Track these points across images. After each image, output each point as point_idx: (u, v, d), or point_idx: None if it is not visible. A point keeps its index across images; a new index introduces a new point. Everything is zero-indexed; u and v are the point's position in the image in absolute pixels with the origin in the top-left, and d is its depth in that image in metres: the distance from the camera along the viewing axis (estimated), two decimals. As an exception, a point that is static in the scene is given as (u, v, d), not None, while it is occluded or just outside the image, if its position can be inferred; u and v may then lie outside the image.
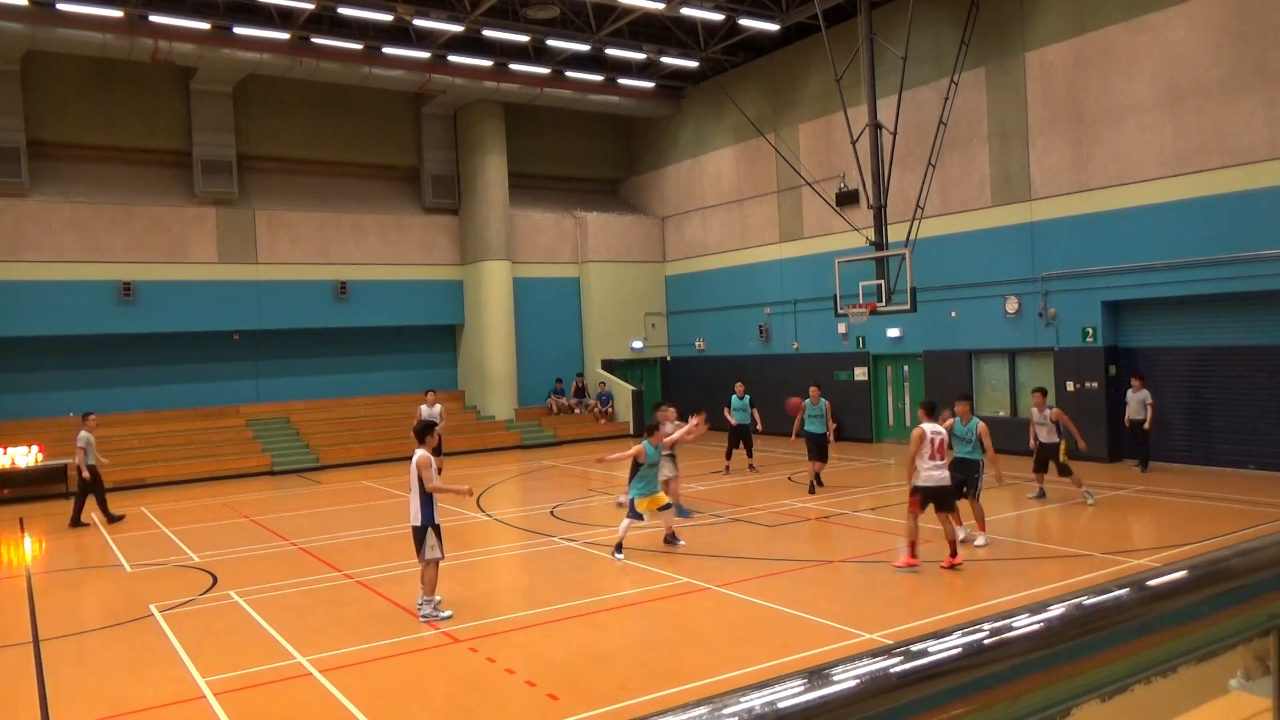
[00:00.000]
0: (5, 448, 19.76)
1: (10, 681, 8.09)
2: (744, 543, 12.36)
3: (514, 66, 25.14)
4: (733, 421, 19.14)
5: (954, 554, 10.34)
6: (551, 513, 15.29)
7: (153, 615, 9.84)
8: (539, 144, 29.67)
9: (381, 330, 26.98)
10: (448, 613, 9.16)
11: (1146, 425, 16.25)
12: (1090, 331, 18.21)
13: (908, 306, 18.84)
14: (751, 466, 19.30)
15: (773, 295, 25.76)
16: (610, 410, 28.06)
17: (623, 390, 28.08)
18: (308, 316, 25.34)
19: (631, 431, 27.54)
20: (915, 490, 10.49)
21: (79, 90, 23.27)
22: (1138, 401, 16.32)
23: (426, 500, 9.11)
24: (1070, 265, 18.44)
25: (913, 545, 10.39)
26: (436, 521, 9.19)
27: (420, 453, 9.18)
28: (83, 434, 15.89)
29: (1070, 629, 1.36)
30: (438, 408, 20.15)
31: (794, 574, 10.58)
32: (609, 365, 29.03)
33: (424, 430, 9.49)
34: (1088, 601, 1.41)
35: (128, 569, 12.53)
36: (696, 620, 9.05)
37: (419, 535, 9.14)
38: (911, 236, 19.39)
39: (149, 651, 8.67)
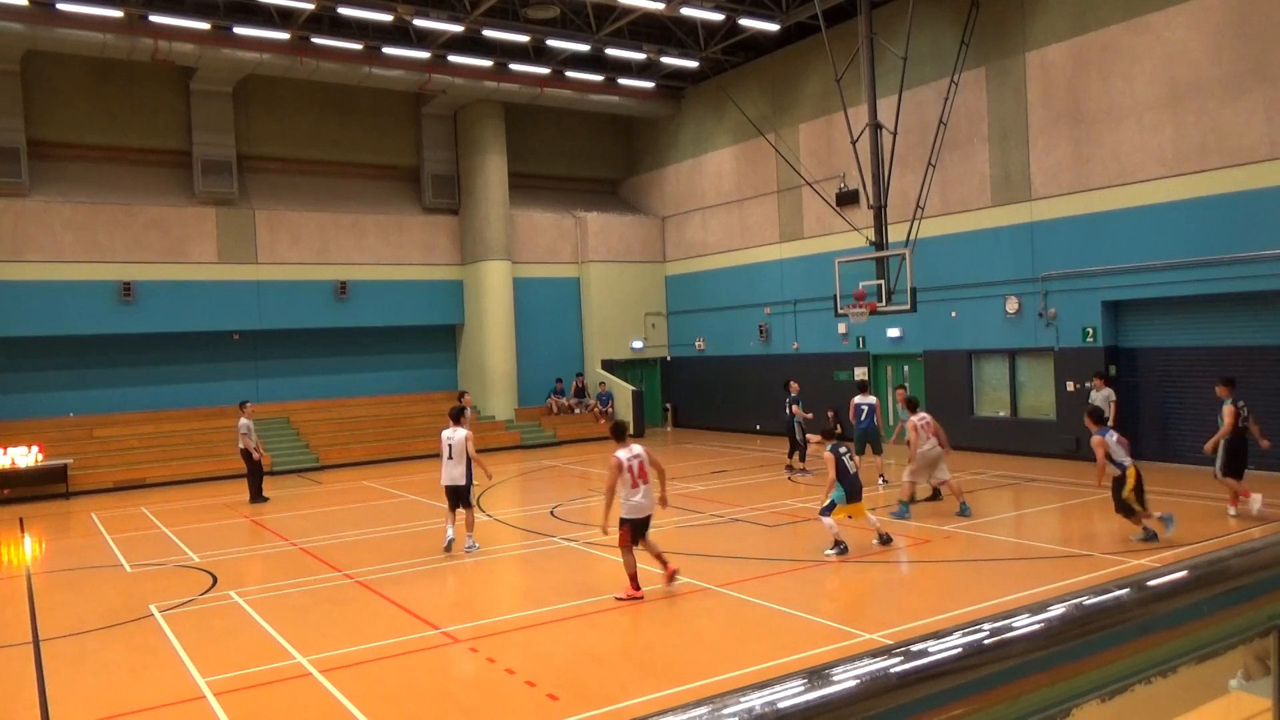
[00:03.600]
0: (5, 448, 19.75)
1: (10, 682, 8.09)
2: (744, 542, 12.36)
3: (514, 66, 25.14)
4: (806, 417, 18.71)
5: (635, 585, 9.57)
6: (551, 513, 15.30)
7: (153, 615, 9.84)
8: (539, 144, 29.68)
9: (381, 330, 26.98)
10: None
11: (1109, 422, 16.33)
12: (1090, 331, 18.21)
13: (908, 307, 18.84)
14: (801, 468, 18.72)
15: (773, 295, 25.76)
16: (610, 410, 28.05)
17: (623, 390, 28.08)
18: (308, 316, 25.34)
19: (631, 431, 27.52)
20: (623, 523, 9.65)
21: (79, 90, 23.28)
22: (1102, 399, 16.40)
23: (469, 465, 12.39)
24: (1070, 265, 18.44)
25: (633, 578, 9.59)
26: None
27: (466, 430, 12.61)
28: (243, 420, 17.46)
29: (1070, 629, 1.36)
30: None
31: (794, 574, 10.58)
32: (609, 365, 29.04)
33: (458, 414, 13.18)
34: (1088, 601, 1.41)
35: (128, 569, 12.53)
36: (697, 620, 9.05)
37: (466, 492, 12.43)
38: (911, 236, 19.40)
39: (149, 651, 8.66)
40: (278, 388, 25.63)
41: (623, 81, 27.04)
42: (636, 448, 9.78)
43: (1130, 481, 10.92)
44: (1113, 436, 11.29)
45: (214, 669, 7.97)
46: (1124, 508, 11.07)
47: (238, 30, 21.65)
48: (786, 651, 7.75)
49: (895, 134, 19.64)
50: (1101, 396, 16.23)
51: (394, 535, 14.04)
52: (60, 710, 7.28)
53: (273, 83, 24.98)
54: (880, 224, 19.89)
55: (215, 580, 11.40)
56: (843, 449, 11.59)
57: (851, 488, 11.34)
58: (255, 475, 17.77)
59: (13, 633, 9.60)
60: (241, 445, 17.56)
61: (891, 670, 1.19)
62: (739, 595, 9.66)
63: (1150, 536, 10.99)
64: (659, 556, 9.88)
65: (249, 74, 23.59)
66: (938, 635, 1.28)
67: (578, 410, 28.31)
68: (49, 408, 22.51)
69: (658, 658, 7.93)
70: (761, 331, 26.12)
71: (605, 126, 30.90)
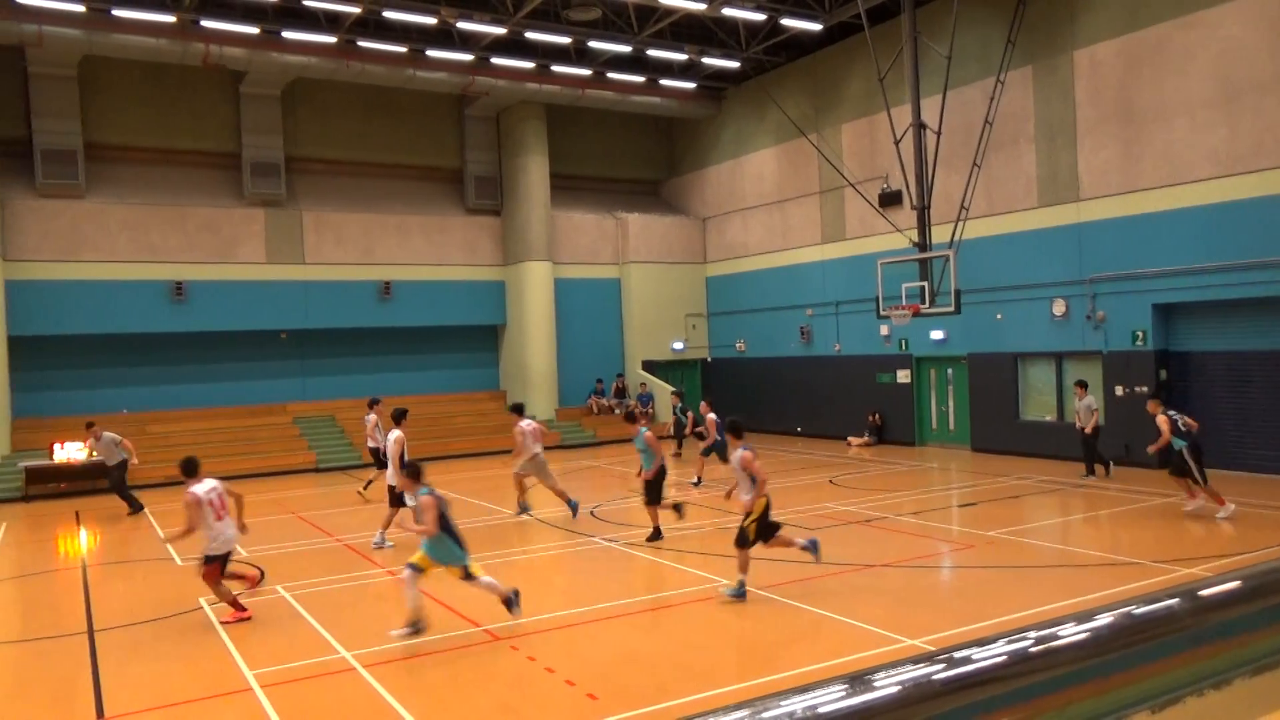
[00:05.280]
0: (62, 443, 20.30)
1: (68, 670, 8.32)
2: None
3: (556, 68, 25.27)
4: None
5: (239, 608, 9.53)
6: (591, 513, 15.34)
7: (202, 608, 10.05)
8: (580, 145, 29.80)
9: (425, 330, 27.28)
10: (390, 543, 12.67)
11: (1088, 430, 16.56)
12: (1140, 335, 17.85)
13: (952, 309, 18.61)
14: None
15: (814, 297, 25.60)
16: (651, 411, 28.06)
17: (663, 391, 28.07)
18: (353, 316, 25.71)
19: (671, 433, 27.53)
20: (210, 560, 9.39)
21: (134, 94, 23.85)
22: (1084, 408, 16.61)
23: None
24: (1120, 267, 18.08)
25: (234, 602, 9.54)
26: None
27: (399, 433, 13.14)
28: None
29: (1120, 638, 1.34)
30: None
31: (835, 578, 10.50)
32: (649, 366, 29.07)
33: (400, 416, 13.78)
34: (1138, 610, 1.39)
35: (178, 562, 12.80)
36: (736, 623, 9.02)
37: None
38: (956, 238, 19.15)
39: (198, 643, 8.85)
40: (324, 386, 26.03)
41: (664, 82, 27.05)
42: (213, 482, 9.64)
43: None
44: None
45: (261, 662, 8.12)
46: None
47: (286, 34, 22.02)
48: (827, 656, 7.70)
49: (939, 134, 19.41)
50: (1084, 405, 16.59)
51: (436, 533, 14.15)
52: (114, 699, 7.46)
53: (319, 85, 25.38)
54: (924, 225, 19.67)
55: (263, 574, 11.60)
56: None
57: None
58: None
59: (70, 622, 9.87)
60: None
61: (935, 677, 1.18)
62: (779, 598, 9.61)
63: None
64: (234, 602, 9.59)
65: (296, 77, 24.01)
66: (982, 642, 1.26)
67: (618, 411, 28.36)
68: (104, 404, 23.06)
69: (697, 659, 7.92)
70: (803, 333, 25.96)
71: (646, 127, 30.93)
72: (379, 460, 17.26)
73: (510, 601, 8.83)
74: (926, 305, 18.96)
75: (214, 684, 7.69)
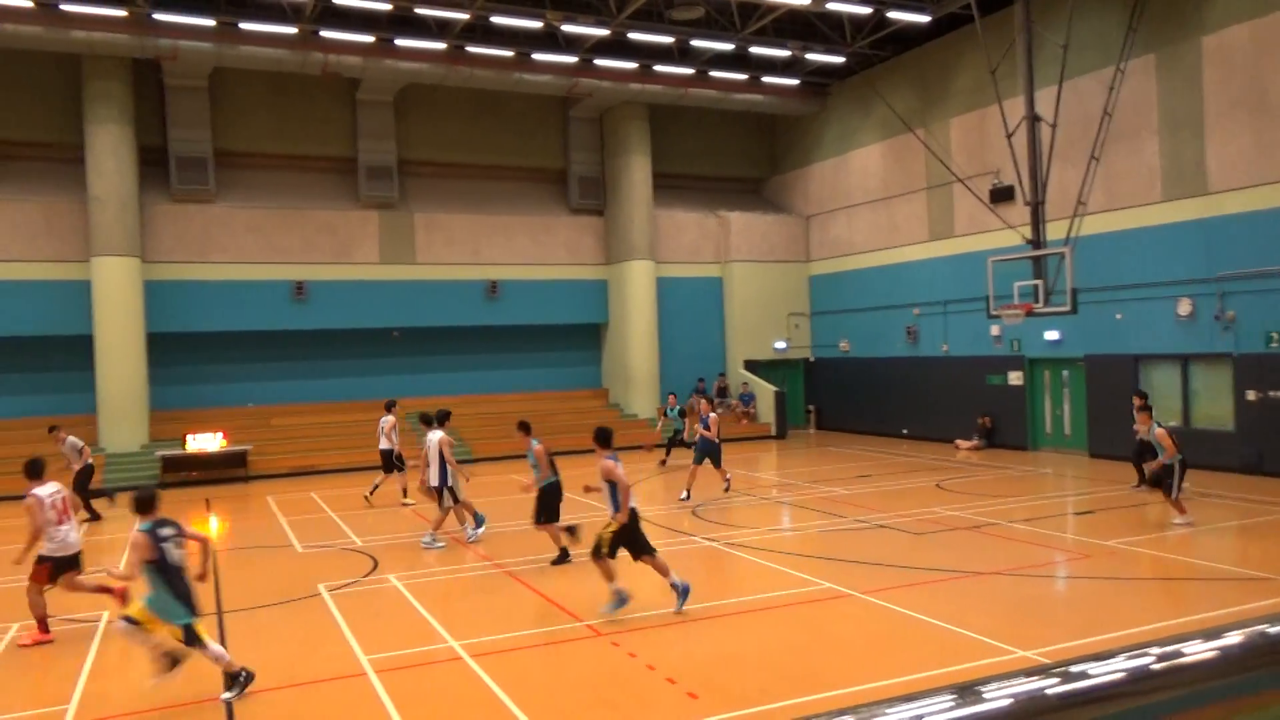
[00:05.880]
0: (194, 434, 21.55)
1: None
2: (889, 549, 12.06)
3: (658, 68, 25.37)
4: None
5: (44, 629, 9.09)
6: (694, 512, 15.37)
7: (320, 594, 10.51)
8: (683, 144, 29.84)
9: (529, 329, 27.80)
10: (442, 543, 12.83)
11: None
12: (1275, 336, 16.79)
13: (1067, 308, 17.88)
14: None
15: (921, 296, 24.99)
16: (752, 411, 27.92)
17: (765, 391, 27.90)
18: (461, 314, 26.43)
19: (774, 432, 27.33)
20: (42, 560, 9.11)
21: (258, 103, 25.07)
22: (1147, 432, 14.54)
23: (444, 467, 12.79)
24: (1252, 264, 17.04)
25: (42, 620, 9.11)
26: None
27: (443, 434, 13.03)
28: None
29: (1251, 658, 1.28)
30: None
31: (942, 584, 10.25)
32: (751, 365, 28.90)
33: (445, 418, 13.73)
34: (1271, 630, 1.33)
35: (299, 549, 13.43)
36: (838, 626, 8.91)
37: (439, 490, 12.85)
38: (1072, 234, 18.39)
39: (317, 628, 9.27)
40: (433, 383, 26.83)
41: (766, 79, 26.83)
42: (56, 485, 9.41)
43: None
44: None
45: (375, 648, 8.45)
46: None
47: (399, 41, 22.78)
48: (932, 664, 7.54)
49: (1055, 126, 18.66)
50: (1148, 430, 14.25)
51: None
52: (240, 679, 7.87)
53: (429, 90, 26.15)
54: (1037, 221, 18.95)
55: (376, 564, 12.06)
56: None
57: None
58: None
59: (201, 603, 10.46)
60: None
61: (1048, 691, 1.16)
62: (883, 603, 9.45)
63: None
64: (41, 619, 9.09)
65: (408, 83, 24.81)
66: (1100, 657, 1.23)
67: (719, 410, 28.30)
68: (231, 397, 24.39)
69: (798, 662, 7.86)
70: (909, 333, 25.38)
71: (749, 125, 30.75)
72: (389, 464, 17.15)
73: (236, 679, 7.27)
74: (1040, 305, 18.27)
75: (332, 667, 8.05)
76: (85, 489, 16.27)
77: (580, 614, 9.36)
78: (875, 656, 8.00)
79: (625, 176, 27.50)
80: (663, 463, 21.97)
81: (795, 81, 27.12)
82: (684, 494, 16.34)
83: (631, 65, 25.22)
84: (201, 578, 7.76)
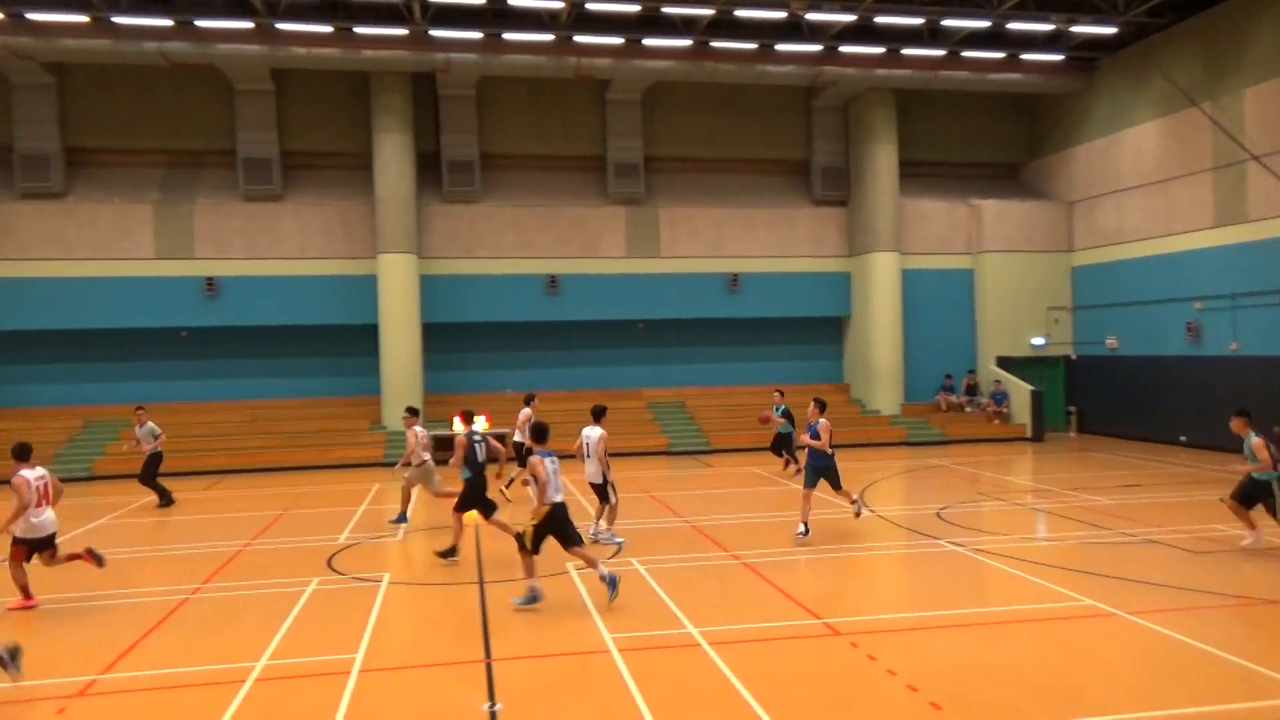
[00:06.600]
0: (458, 417, 23.39)
1: (464, 614, 9.68)
2: (1160, 567, 11.03)
3: (906, 51, 24.46)
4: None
5: (28, 595, 10.04)
6: (938, 514, 14.81)
7: (569, 572, 11.16)
8: (931, 129, 28.64)
9: (769, 321, 27.84)
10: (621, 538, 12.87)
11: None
12: None
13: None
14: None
15: (1205, 288, 22.49)
16: (1005, 410, 26.39)
17: (1020, 390, 26.27)
18: (702, 307, 26.94)
19: (1029, 434, 25.69)
20: (18, 541, 9.99)
21: (517, 108, 26.81)
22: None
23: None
24: None
25: (24, 589, 10.05)
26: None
27: (602, 430, 12.89)
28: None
29: None
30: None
31: (1226, 610, 9.26)
32: (1005, 362, 27.29)
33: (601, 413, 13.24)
34: None
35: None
36: (1099, 646, 8.29)
37: (601, 488, 12.90)
38: (1403, 216, 15.85)
39: (566, 604, 9.86)
40: (674, 373, 27.60)
41: (1026, 56, 25.10)
42: (42, 470, 10.18)
43: None
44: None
45: (618, 627, 8.88)
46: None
47: (646, 41, 23.49)
48: (1211, 699, 6.86)
49: (1384, 92, 16.15)
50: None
51: (778, 522, 14.49)
52: (498, 644, 8.56)
53: (674, 87, 26.78)
54: (1358, 202, 16.50)
55: (619, 547, 12.61)
56: None
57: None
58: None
59: (464, 573, 11.45)
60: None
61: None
62: (1151, 625, 8.69)
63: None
64: (24, 587, 10.08)
65: (655, 81, 25.55)
66: None
67: (968, 409, 26.99)
68: (491, 384, 26.36)
69: (1054, 681, 7.41)
70: (1190, 329, 22.92)
71: (1004, 107, 28.97)
72: (520, 456, 17.24)
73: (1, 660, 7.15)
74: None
75: (579, 642, 8.55)
76: (154, 472, 17.10)
77: (819, 611, 9.33)
78: (1146, 682, 7.38)
79: (870, 165, 26.80)
80: (787, 465, 19.94)
81: (1059, 57, 25.20)
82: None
83: (878, 50, 24.49)
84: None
